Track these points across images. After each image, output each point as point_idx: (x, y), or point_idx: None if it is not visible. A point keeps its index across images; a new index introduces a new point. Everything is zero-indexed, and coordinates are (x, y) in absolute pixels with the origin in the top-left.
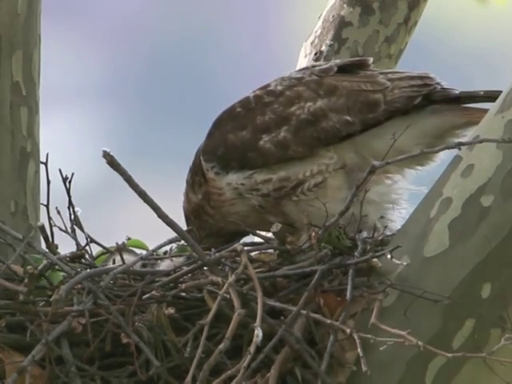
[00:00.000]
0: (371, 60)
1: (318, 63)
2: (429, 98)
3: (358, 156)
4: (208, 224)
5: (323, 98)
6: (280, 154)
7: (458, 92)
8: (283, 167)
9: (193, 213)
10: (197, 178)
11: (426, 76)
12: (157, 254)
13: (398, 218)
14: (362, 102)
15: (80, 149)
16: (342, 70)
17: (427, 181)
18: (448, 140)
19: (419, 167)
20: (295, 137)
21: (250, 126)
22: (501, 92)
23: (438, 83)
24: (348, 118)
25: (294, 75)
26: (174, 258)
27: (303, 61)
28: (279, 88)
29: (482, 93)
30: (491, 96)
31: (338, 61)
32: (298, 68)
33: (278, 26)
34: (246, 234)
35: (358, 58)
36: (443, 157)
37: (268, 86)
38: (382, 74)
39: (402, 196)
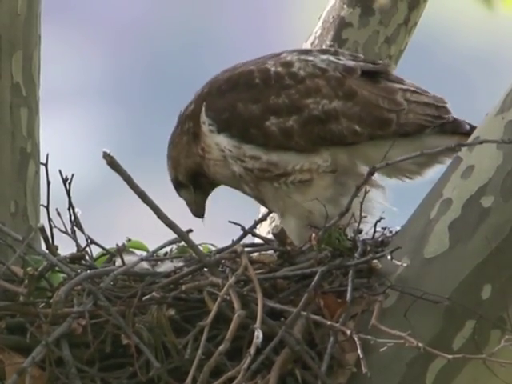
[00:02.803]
0: (393, 68)
1: (342, 51)
2: (439, 128)
3: (353, 164)
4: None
5: (340, 100)
6: (282, 141)
7: (468, 127)
8: (278, 153)
9: (197, 168)
10: (192, 127)
11: (442, 106)
12: (157, 255)
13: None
14: (375, 117)
15: (80, 150)
16: (365, 73)
17: (427, 181)
18: (443, 159)
19: (407, 179)
20: (302, 129)
21: (262, 102)
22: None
23: (451, 114)
24: (357, 128)
25: (318, 63)
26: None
27: None
28: (302, 73)
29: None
30: None
31: (361, 60)
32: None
33: (278, 26)
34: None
35: (381, 65)
36: (432, 174)
37: (291, 64)
38: (401, 90)
39: (376, 208)
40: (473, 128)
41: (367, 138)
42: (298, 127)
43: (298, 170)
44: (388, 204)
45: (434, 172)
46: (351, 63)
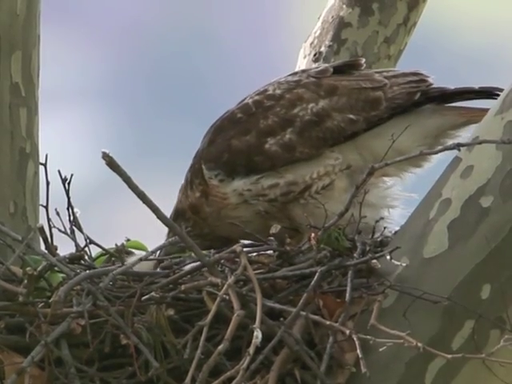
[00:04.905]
0: (364, 60)
1: (308, 68)
2: (426, 94)
3: (361, 157)
4: (204, 223)
5: (325, 98)
6: (287, 156)
7: (452, 88)
8: (290, 170)
9: (191, 209)
10: (196, 180)
11: (419, 72)
12: (156, 256)
13: (392, 220)
14: (363, 99)
15: (80, 150)
16: (337, 71)
17: (426, 182)
18: (447, 140)
19: (417, 169)
20: (301, 138)
21: (253, 130)
22: (496, 88)
23: (431, 79)
24: (351, 116)
25: (290, 79)
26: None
27: (302, 62)
28: (278, 92)
29: (476, 88)
30: (486, 91)
31: (328, 64)
32: (296, 69)
33: (277, 26)
34: (234, 242)
35: (350, 59)
36: (442, 158)
37: (266, 90)
38: (376, 72)
39: (399, 199)
40: (458, 89)
41: (364, 125)
42: (297, 137)
43: (316, 178)
44: (406, 193)
45: (444, 155)
46: (320, 67)
